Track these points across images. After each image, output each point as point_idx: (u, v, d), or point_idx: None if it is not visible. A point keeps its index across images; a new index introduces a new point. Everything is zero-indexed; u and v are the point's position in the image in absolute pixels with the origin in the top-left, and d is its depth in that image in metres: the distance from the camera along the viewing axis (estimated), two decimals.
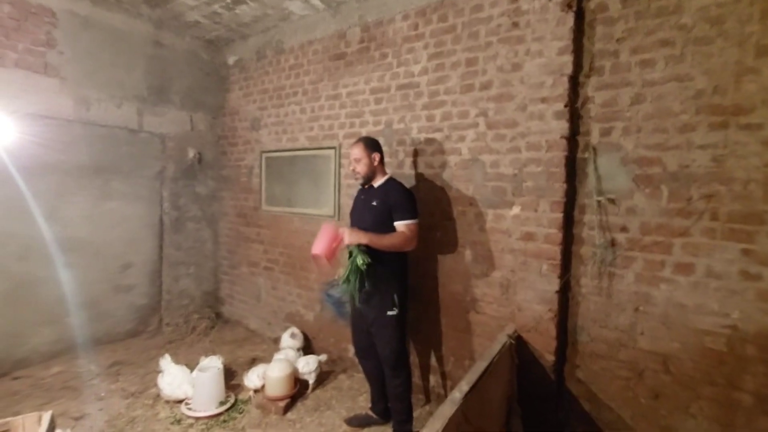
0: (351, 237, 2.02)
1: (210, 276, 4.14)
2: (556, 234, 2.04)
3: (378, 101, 2.85)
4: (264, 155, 3.64)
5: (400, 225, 2.11)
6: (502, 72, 2.29)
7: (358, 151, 2.19)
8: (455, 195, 2.49)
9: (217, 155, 4.10)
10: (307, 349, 3.29)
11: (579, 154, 2.07)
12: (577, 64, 2.02)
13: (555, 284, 2.05)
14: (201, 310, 3.96)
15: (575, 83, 2.04)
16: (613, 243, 1.98)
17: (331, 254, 2.07)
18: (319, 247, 2.06)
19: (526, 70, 2.17)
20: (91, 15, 3.19)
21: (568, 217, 2.07)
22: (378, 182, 2.22)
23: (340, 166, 3.10)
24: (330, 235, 2.09)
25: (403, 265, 2.23)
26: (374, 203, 2.16)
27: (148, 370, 2.98)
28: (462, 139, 2.45)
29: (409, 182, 2.60)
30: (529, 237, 2.13)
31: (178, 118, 3.78)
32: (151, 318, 3.78)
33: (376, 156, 2.20)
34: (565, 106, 2.01)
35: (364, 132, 2.93)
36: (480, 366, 1.68)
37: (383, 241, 2.06)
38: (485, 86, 2.36)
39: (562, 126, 2.01)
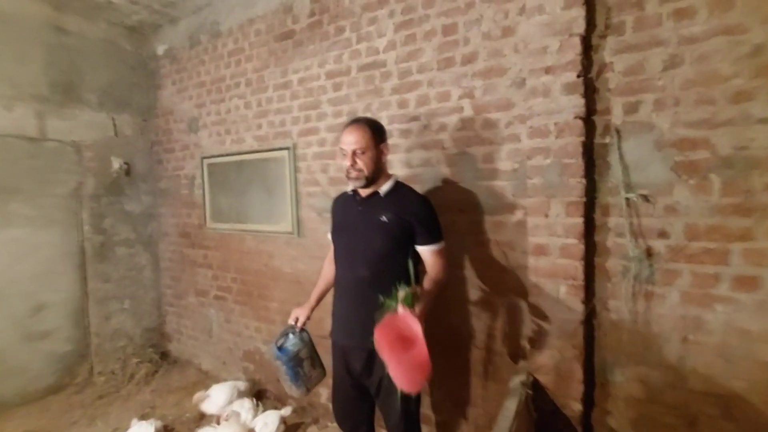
0: (424, 310, 1.37)
1: (152, 309, 3.46)
2: (576, 245, 1.56)
3: (337, 87, 2.30)
4: (205, 161, 3.01)
5: (430, 251, 1.55)
6: (489, 39, 1.79)
7: (359, 137, 1.50)
8: (441, 201, 1.96)
9: (152, 165, 3.42)
10: (264, 395, 2.70)
11: (597, 139, 1.59)
12: (589, 21, 1.54)
13: (578, 311, 1.56)
14: (142, 351, 3.29)
15: (587, 46, 1.56)
16: (649, 253, 1.51)
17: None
18: (417, 381, 1.33)
19: (522, 33, 1.67)
20: None
21: (588, 222, 1.59)
22: (384, 187, 1.58)
23: (296, 170, 2.52)
24: (419, 363, 1.28)
25: None
26: (384, 218, 1.53)
27: None
28: (444, 128, 1.94)
29: None
30: (540, 250, 1.63)
31: (95, 121, 3.09)
32: (79, 368, 3.08)
33: (385, 148, 1.59)
34: (578, 76, 1.52)
35: (322, 126, 2.37)
36: None
37: (437, 289, 1.55)
38: (469, 59, 1.85)
39: (576, 102, 1.53)
